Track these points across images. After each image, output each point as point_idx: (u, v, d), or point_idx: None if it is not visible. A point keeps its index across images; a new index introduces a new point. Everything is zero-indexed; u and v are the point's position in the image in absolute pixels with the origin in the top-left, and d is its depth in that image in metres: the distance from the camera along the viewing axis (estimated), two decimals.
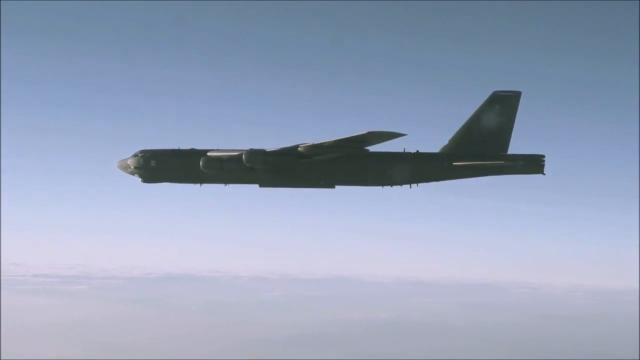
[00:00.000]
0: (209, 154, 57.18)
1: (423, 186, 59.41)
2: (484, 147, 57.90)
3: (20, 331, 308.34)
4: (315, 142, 55.07)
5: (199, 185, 58.92)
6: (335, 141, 54.16)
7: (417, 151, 59.24)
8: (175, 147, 58.97)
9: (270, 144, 56.99)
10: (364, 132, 52.27)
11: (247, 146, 56.59)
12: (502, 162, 57.65)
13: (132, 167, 58.28)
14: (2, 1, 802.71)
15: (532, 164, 57.82)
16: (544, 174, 58.04)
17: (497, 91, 57.99)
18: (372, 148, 55.87)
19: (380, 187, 59.37)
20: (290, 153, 55.76)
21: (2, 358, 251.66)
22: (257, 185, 58.75)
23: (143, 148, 58.86)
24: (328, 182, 58.51)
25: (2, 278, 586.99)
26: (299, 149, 55.45)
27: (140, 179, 58.68)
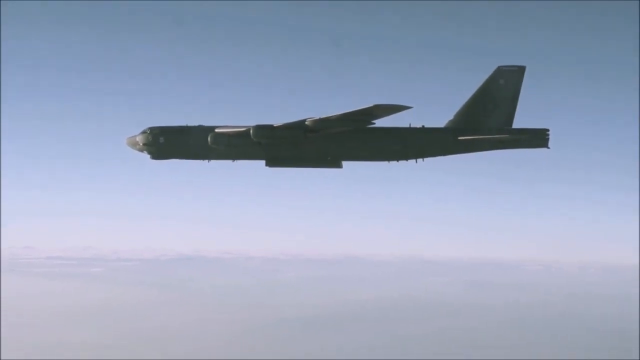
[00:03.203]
0: (216, 130, 57.75)
1: (429, 161, 60.01)
2: (489, 122, 58.47)
3: (37, 315, 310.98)
4: (322, 116, 55.45)
5: (207, 161, 59.51)
6: (342, 115, 54.44)
7: (423, 126, 59.71)
8: (183, 124, 59.57)
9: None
10: (370, 105, 52.74)
11: (253, 124, 57.01)
12: (507, 136, 58.08)
13: (141, 144, 58.82)
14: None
15: (537, 138, 58.24)
16: (549, 148, 58.47)
17: (502, 66, 58.33)
18: (379, 123, 56.15)
19: (387, 162, 60.03)
20: (297, 127, 56.01)
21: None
22: (264, 162, 59.15)
23: (151, 125, 59.51)
24: (335, 157, 59.16)
25: (16, 261, 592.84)
26: (306, 123, 55.70)
27: (149, 156, 59.29)
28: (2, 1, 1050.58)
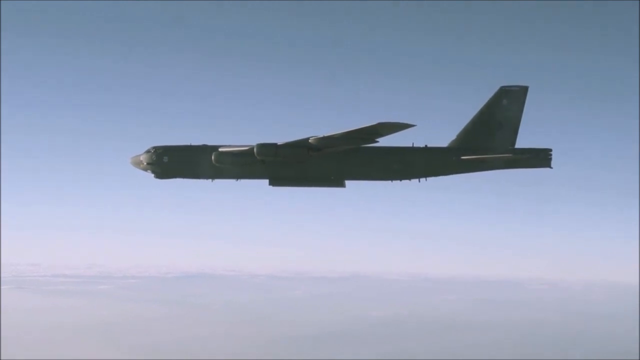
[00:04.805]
0: (220, 149, 57.87)
1: (432, 180, 60.09)
2: (492, 141, 58.54)
3: (43, 331, 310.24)
4: (326, 134, 55.50)
5: (210, 180, 59.55)
6: (346, 133, 54.53)
7: (426, 146, 59.85)
8: (187, 143, 59.69)
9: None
10: (374, 123, 52.82)
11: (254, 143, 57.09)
12: (510, 155, 58.20)
13: (145, 163, 59.00)
14: (2, 1, 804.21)
15: (539, 158, 58.38)
16: (551, 167, 58.61)
17: (505, 86, 58.64)
18: (382, 142, 56.18)
19: (390, 181, 60.00)
20: (301, 145, 56.17)
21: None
22: (267, 182, 59.15)
23: (155, 144, 59.67)
24: (338, 176, 59.15)
25: (22, 278, 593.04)
26: (310, 141, 55.80)
27: (153, 175, 59.49)
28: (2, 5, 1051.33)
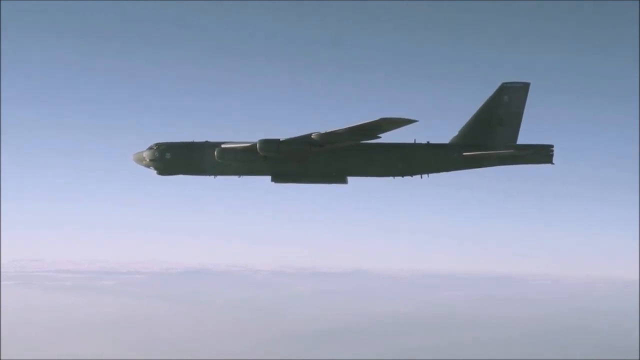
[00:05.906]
0: (222, 145, 57.93)
1: (434, 177, 60.13)
2: (493, 138, 58.65)
3: (47, 327, 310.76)
4: (328, 130, 55.49)
5: (213, 177, 59.55)
6: (348, 128, 54.63)
7: (428, 142, 59.89)
8: (190, 140, 59.76)
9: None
10: (376, 118, 52.87)
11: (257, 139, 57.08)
12: (512, 152, 58.15)
13: (148, 160, 59.10)
14: (2, 1, 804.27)
15: (541, 154, 58.35)
16: (553, 164, 58.57)
17: (506, 82, 58.53)
18: (384, 139, 56.28)
19: (392, 177, 60.08)
20: (303, 141, 56.22)
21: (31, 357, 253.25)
22: (269, 178, 59.29)
23: (158, 141, 59.71)
24: (340, 172, 59.28)
25: (25, 274, 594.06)
26: (312, 137, 55.87)
27: (155, 172, 59.61)
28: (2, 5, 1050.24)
